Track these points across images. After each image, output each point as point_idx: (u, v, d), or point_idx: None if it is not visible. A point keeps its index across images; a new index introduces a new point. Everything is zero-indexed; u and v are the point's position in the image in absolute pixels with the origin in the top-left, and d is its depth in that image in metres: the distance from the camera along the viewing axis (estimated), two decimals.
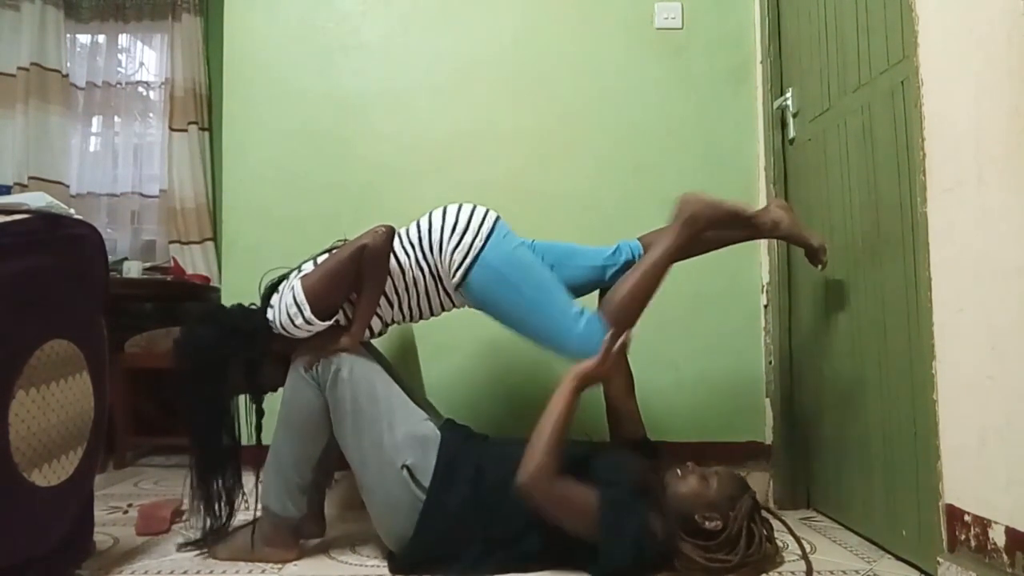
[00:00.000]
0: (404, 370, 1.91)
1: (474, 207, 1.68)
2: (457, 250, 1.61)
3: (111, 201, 3.66)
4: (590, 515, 1.41)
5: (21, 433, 1.22)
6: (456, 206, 1.68)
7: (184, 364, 1.57)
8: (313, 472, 1.62)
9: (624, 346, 1.55)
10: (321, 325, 1.56)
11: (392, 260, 1.63)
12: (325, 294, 1.55)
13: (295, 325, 1.55)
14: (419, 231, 1.67)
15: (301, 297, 1.53)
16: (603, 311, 1.63)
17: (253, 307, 1.65)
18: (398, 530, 1.51)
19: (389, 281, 1.64)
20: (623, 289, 1.62)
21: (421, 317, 1.74)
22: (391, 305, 1.68)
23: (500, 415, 2.13)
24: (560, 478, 1.42)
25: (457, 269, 1.62)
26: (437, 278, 1.66)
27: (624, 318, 1.59)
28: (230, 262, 2.20)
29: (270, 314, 1.59)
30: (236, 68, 2.25)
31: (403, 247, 1.66)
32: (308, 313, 1.53)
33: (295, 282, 1.57)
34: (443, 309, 1.74)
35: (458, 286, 1.64)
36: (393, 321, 1.74)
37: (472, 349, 2.18)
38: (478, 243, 1.61)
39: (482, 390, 2.18)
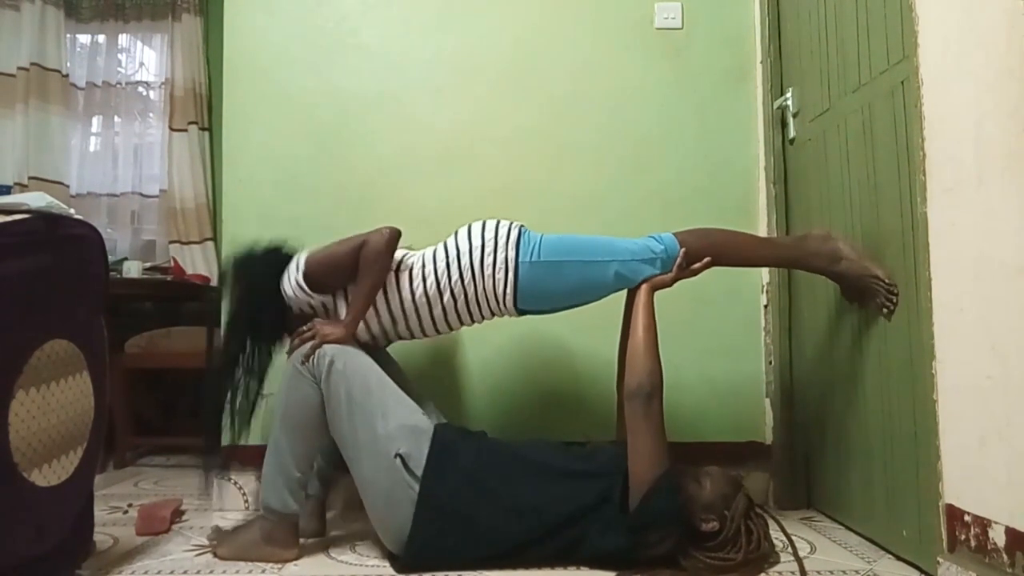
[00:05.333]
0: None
1: (497, 222, 1.69)
2: (496, 268, 1.62)
3: (111, 201, 3.66)
4: (656, 459, 1.47)
5: (21, 433, 1.22)
6: (479, 224, 1.69)
7: (245, 279, 1.74)
8: (313, 467, 1.63)
9: (695, 271, 1.66)
10: (308, 294, 1.65)
11: (411, 286, 1.65)
12: (320, 273, 1.65)
13: (288, 283, 1.65)
14: (447, 256, 1.66)
15: (301, 262, 1.65)
16: (681, 234, 1.68)
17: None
18: (395, 525, 1.51)
19: (404, 298, 1.66)
20: (724, 232, 1.73)
21: (446, 330, 1.74)
22: (395, 322, 1.69)
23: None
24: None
25: (505, 285, 1.62)
26: (476, 300, 1.65)
27: (701, 246, 1.65)
28: None
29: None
30: (236, 68, 2.25)
31: (429, 271, 1.66)
32: (300, 275, 1.63)
33: (303, 251, 1.69)
34: (480, 320, 1.73)
35: (515, 298, 1.64)
36: (401, 336, 1.74)
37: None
38: (511, 252, 1.62)
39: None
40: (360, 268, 1.61)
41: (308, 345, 1.59)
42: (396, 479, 1.51)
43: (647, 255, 1.64)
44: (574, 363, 2.17)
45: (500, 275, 1.62)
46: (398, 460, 1.51)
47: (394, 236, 1.63)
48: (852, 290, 1.72)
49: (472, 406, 2.16)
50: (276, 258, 1.73)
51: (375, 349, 1.75)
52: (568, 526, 1.49)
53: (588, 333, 2.11)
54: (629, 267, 1.64)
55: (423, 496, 1.49)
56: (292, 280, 1.65)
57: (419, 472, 1.51)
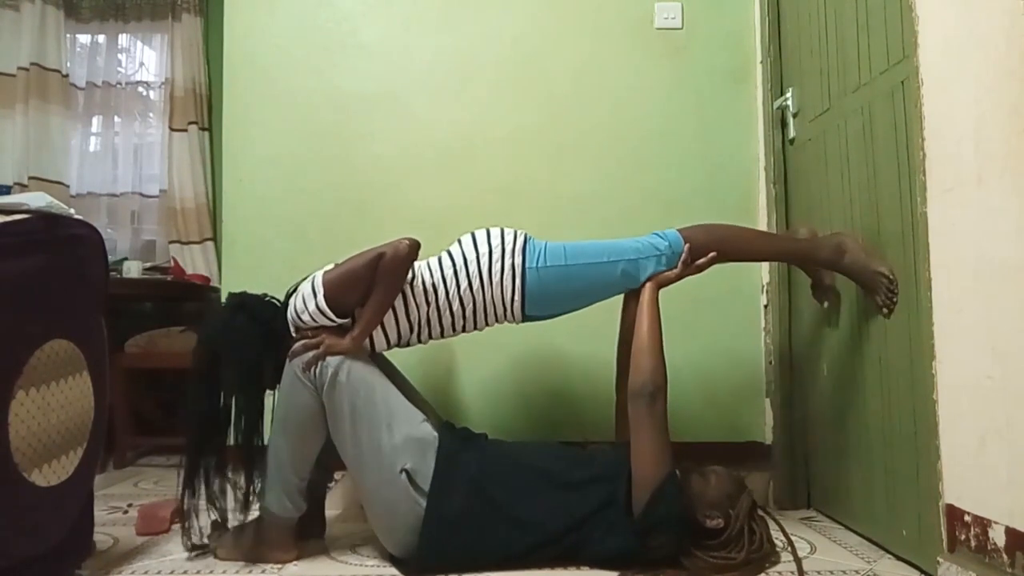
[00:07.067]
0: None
1: (502, 229, 1.69)
2: (504, 274, 1.62)
3: (111, 201, 3.65)
4: (660, 459, 1.46)
5: (21, 433, 1.22)
6: (484, 232, 1.69)
7: (216, 349, 1.61)
8: (311, 471, 1.62)
9: (701, 266, 1.65)
10: (329, 317, 1.58)
11: (424, 297, 1.64)
12: (340, 292, 1.58)
13: (307, 309, 1.58)
14: (453, 264, 1.65)
15: (319, 285, 1.58)
16: (685, 230, 1.68)
17: (276, 303, 1.70)
18: (400, 538, 1.51)
19: (415, 308, 1.64)
20: (728, 227, 1.74)
21: (452, 335, 1.73)
22: (411, 330, 1.67)
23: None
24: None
25: (513, 292, 1.62)
26: (484, 307, 1.65)
27: (706, 240, 1.65)
28: (230, 262, 2.20)
29: (288, 313, 1.63)
30: (236, 68, 2.25)
31: (437, 279, 1.65)
32: (320, 299, 1.57)
33: (318, 274, 1.62)
34: (485, 326, 1.72)
35: (522, 304, 1.64)
36: (406, 344, 1.72)
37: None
38: (518, 259, 1.62)
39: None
40: (376, 280, 1.57)
41: (311, 354, 1.55)
42: (401, 494, 1.49)
43: (652, 252, 1.65)
44: (571, 364, 2.18)
45: (508, 282, 1.62)
46: (403, 475, 1.49)
47: (413, 248, 1.59)
48: (858, 284, 1.71)
49: (469, 406, 2.16)
50: (247, 306, 1.66)
51: (378, 355, 1.73)
52: (572, 532, 1.49)
53: (586, 334, 2.10)
54: (635, 265, 1.64)
55: (430, 512, 1.48)
56: (312, 306, 1.57)
57: (426, 487, 1.49)
